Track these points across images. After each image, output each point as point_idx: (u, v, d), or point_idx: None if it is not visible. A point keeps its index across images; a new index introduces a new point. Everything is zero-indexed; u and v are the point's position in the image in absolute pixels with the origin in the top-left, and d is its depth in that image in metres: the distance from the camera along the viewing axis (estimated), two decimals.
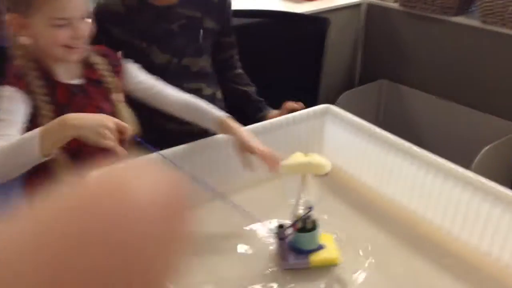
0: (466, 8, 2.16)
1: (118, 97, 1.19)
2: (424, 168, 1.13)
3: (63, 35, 1.06)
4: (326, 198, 1.26)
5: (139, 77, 1.25)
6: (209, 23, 1.42)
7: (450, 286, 0.98)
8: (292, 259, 1.00)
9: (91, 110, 1.13)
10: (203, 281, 0.98)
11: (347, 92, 2.47)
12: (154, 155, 1.09)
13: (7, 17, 1.07)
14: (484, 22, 2.01)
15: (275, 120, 1.30)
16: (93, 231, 0.21)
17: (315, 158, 1.02)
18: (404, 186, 1.18)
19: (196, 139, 1.21)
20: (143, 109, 1.26)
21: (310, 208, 1.01)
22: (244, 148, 1.13)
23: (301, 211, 1.01)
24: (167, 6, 1.36)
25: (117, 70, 1.22)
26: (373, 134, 1.24)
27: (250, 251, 1.07)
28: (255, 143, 1.14)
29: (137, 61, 1.35)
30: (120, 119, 1.12)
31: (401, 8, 2.34)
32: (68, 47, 1.08)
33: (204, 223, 1.15)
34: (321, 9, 2.37)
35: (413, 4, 2.27)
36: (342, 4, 2.49)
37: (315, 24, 1.88)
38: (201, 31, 1.40)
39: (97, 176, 0.23)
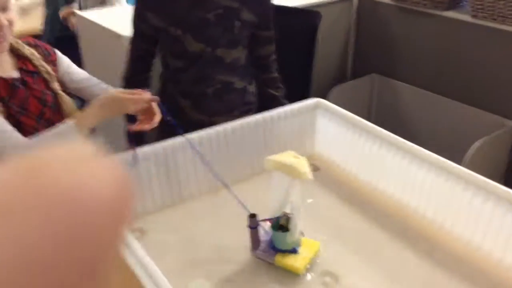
0: (457, 2, 2.16)
1: (57, 86, 1.22)
2: (416, 163, 1.13)
3: None
4: (317, 191, 1.26)
5: (71, 68, 1.28)
6: (246, 15, 1.40)
7: (442, 279, 0.98)
8: (260, 250, 1.01)
9: (34, 101, 1.17)
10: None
11: (339, 86, 2.47)
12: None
13: None
14: (474, 16, 2.02)
15: (267, 115, 1.29)
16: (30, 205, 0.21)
17: (299, 163, 0.99)
18: (396, 180, 1.18)
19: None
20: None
21: (287, 214, 1.00)
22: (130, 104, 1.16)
23: (287, 209, 1.01)
24: None
25: (51, 60, 1.24)
26: (364, 128, 1.24)
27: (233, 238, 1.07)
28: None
29: (172, 48, 1.39)
30: (62, 108, 1.21)
31: (393, 2, 2.34)
32: None
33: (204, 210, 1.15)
34: (313, 3, 2.37)
35: None
36: None
37: (307, 17, 1.87)
38: (237, 22, 1.39)
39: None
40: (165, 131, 1.46)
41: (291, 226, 0.99)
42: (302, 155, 1.36)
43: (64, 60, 1.28)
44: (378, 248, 1.06)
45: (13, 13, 1.11)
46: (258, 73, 1.57)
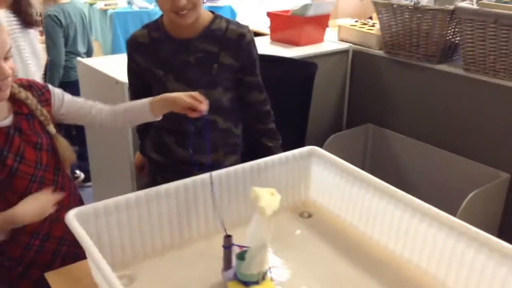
0: (449, 56, 2.22)
1: (52, 128, 1.22)
2: (409, 212, 1.13)
3: None
4: (310, 238, 1.25)
5: (66, 99, 1.29)
6: (225, 59, 1.47)
7: None
8: (226, 273, 1.04)
9: (29, 149, 1.18)
10: None
11: (334, 135, 2.49)
12: None
13: None
14: (466, 70, 2.07)
15: (262, 161, 1.30)
16: None
17: (264, 198, 1.00)
18: (389, 229, 1.18)
19: (207, 171, 1.22)
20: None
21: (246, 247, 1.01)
22: (185, 100, 1.23)
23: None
24: (186, 39, 1.45)
25: (45, 99, 1.24)
26: (357, 176, 1.25)
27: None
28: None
29: (156, 88, 1.49)
30: (58, 150, 1.23)
31: (386, 55, 2.40)
32: None
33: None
34: (309, 54, 2.43)
35: (397, 52, 2.34)
36: (330, 50, 2.55)
37: (304, 68, 1.92)
38: (216, 65, 1.46)
39: None
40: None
41: (246, 257, 0.99)
42: (296, 201, 1.38)
43: (57, 93, 1.28)
44: None
45: (11, 62, 1.13)
46: (252, 123, 1.61)
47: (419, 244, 1.11)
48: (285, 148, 1.38)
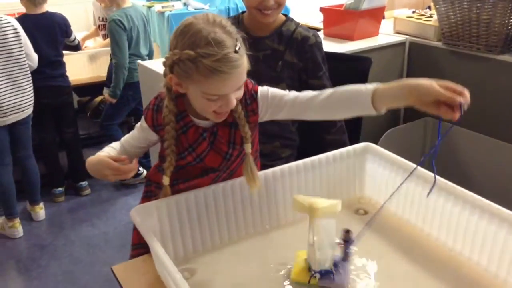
0: (511, 46, 2.13)
1: (248, 148, 1.18)
2: (468, 209, 1.11)
3: (214, 106, 1.09)
4: (366, 234, 1.24)
5: (272, 96, 1.21)
6: (289, 57, 1.60)
7: None
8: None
9: (213, 155, 1.19)
10: None
11: (391, 129, 2.45)
12: None
13: (169, 75, 1.10)
14: None
15: (317, 158, 1.31)
16: None
17: (317, 202, 1.02)
18: (448, 227, 1.16)
19: (265, 159, 1.29)
20: None
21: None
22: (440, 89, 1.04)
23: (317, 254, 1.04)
24: (259, 37, 1.59)
25: (251, 109, 1.20)
26: (413, 173, 1.23)
27: None
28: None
29: None
30: (244, 171, 1.18)
31: (445, 47, 2.34)
32: (217, 113, 1.11)
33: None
34: (364, 48, 2.40)
35: (456, 43, 2.26)
36: (386, 43, 2.51)
37: (358, 63, 1.90)
38: (280, 62, 1.58)
39: None
40: None
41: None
42: (351, 198, 1.38)
43: (263, 95, 1.21)
44: None
45: (242, 90, 1.13)
46: (320, 133, 1.65)
47: (479, 241, 1.09)
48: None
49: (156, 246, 0.97)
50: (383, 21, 2.69)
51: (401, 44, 2.54)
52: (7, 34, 2.56)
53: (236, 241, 1.22)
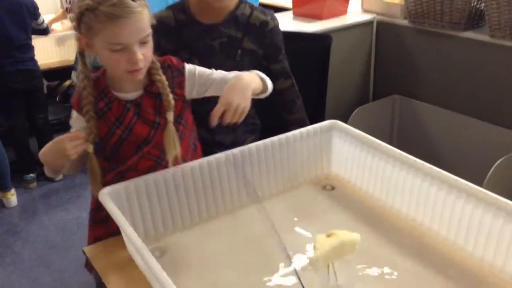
0: (474, 23, 2.18)
1: (169, 116, 1.22)
2: (428, 181, 1.15)
3: (122, 59, 1.12)
4: (334, 210, 1.29)
5: (199, 75, 1.29)
6: (249, 44, 1.50)
7: None
8: None
9: (141, 125, 1.23)
10: None
11: (360, 107, 2.50)
12: None
13: (78, 35, 1.15)
14: (492, 36, 2.04)
15: (284, 136, 1.34)
16: None
17: (343, 234, 1.01)
18: (410, 199, 1.21)
19: (229, 149, 1.27)
20: None
21: None
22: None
23: None
24: (212, 24, 1.47)
25: (178, 82, 1.26)
26: (377, 148, 1.27)
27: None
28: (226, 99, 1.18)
29: None
30: (165, 139, 1.22)
31: (411, 25, 2.38)
32: (129, 71, 1.14)
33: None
34: (332, 27, 2.43)
35: (422, 21, 2.31)
36: (354, 22, 2.54)
37: (319, 41, 1.92)
38: (239, 50, 1.48)
39: None
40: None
41: None
42: (318, 174, 1.42)
43: (191, 76, 1.28)
44: (391, 264, 1.08)
45: (150, 46, 1.17)
46: (281, 113, 1.63)
47: (439, 212, 1.14)
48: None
49: (124, 225, 0.98)
50: (352, 0, 2.71)
51: (369, 23, 2.57)
52: None
53: (206, 220, 1.25)
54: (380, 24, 2.56)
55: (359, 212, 1.27)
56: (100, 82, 1.22)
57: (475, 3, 2.11)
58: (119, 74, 1.17)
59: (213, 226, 1.23)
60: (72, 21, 1.12)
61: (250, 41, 1.49)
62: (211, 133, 1.54)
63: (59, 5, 4.06)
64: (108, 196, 1.08)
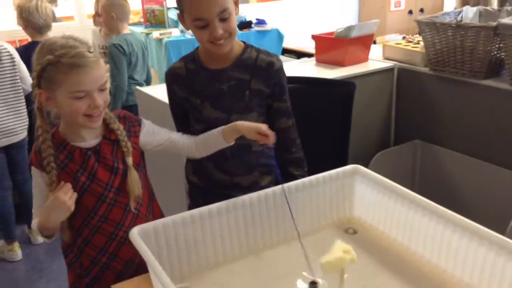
0: (495, 71, 2.22)
1: (129, 160, 1.36)
2: (450, 228, 1.17)
3: (83, 106, 1.25)
4: (357, 254, 1.29)
5: (155, 131, 1.46)
6: (256, 85, 1.56)
7: None
8: None
9: (103, 171, 1.34)
10: None
11: (381, 152, 2.52)
12: None
13: (38, 91, 1.26)
14: None
15: (306, 180, 1.38)
16: None
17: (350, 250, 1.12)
18: (432, 245, 1.22)
19: (246, 192, 1.32)
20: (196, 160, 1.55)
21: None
22: (253, 130, 1.35)
23: None
24: (220, 69, 1.55)
25: (134, 131, 1.41)
26: (400, 194, 1.30)
27: None
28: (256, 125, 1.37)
29: (193, 114, 1.60)
30: (128, 181, 1.35)
31: (431, 72, 2.43)
32: (88, 116, 1.27)
33: None
34: (354, 73, 2.49)
35: (442, 68, 2.36)
36: (375, 69, 2.60)
37: (343, 88, 1.98)
38: (247, 91, 1.55)
39: None
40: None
41: None
42: (341, 218, 1.44)
43: (147, 129, 1.44)
44: None
45: (107, 93, 1.31)
46: (280, 152, 1.63)
47: (461, 258, 1.14)
48: (329, 167, 1.44)
49: (154, 264, 1.02)
50: (373, 46, 2.79)
51: (390, 69, 2.63)
52: (2, 59, 2.66)
53: (231, 260, 1.27)
54: (401, 71, 2.62)
55: (381, 257, 1.28)
56: (56, 137, 1.32)
57: (495, 52, 2.16)
58: (79, 121, 1.28)
59: (237, 267, 1.26)
60: (32, 86, 1.24)
61: (257, 82, 1.55)
62: (229, 175, 1.59)
63: None
64: (138, 236, 1.13)
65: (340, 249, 1.12)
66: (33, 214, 1.35)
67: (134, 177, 1.36)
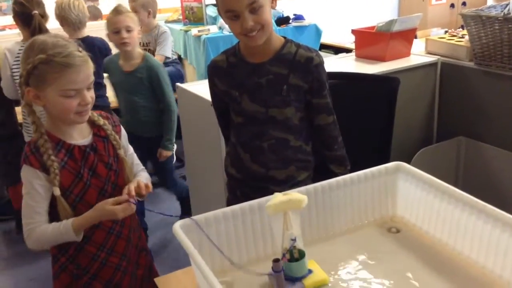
0: None
1: (121, 152, 1.45)
2: (499, 227, 1.13)
3: (74, 103, 1.31)
4: (399, 253, 1.28)
5: (128, 145, 1.56)
6: (294, 80, 1.56)
7: None
8: None
9: (101, 167, 1.41)
10: None
11: (424, 149, 2.47)
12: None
13: (26, 89, 1.30)
14: None
15: (348, 177, 1.36)
16: None
17: (294, 195, 1.13)
18: (480, 245, 1.18)
19: (281, 185, 1.35)
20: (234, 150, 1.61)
21: (293, 240, 1.11)
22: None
23: (286, 244, 1.12)
24: (259, 63, 1.56)
25: (117, 130, 1.49)
26: (445, 191, 1.26)
27: None
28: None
29: (233, 108, 1.63)
30: (125, 172, 1.45)
31: (476, 67, 2.35)
32: (78, 113, 1.33)
33: None
34: (395, 69, 2.44)
35: (488, 63, 2.28)
36: (417, 64, 2.54)
37: (386, 83, 1.94)
38: (285, 86, 1.55)
39: None
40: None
41: (302, 252, 1.13)
42: (383, 216, 1.42)
43: (123, 133, 1.54)
44: None
45: (93, 92, 1.37)
46: (321, 149, 1.66)
47: (510, 259, 1.10)
48: (371, 164, 1.42)
49: (198, 258, 1.03)
50: (415, 41, 2.72)
51: (433, 64, 2.56)
52: None
53: (272, 256, 1.26)
54: (444, 65, 2.55)
55: (426, 257, 1.25)
56: (51, 137, 1.35)
57: None
58: (70, 118, 1.33)
59: None
60: (20, 84, 1.28)
61: (295, 77, 1.55)
62: (264, 168, 1.60)
63: None
64: (180, 229, 1.14)
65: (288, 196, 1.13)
66: (34, 223, 1.33)
67: (128, 165, 1.46)
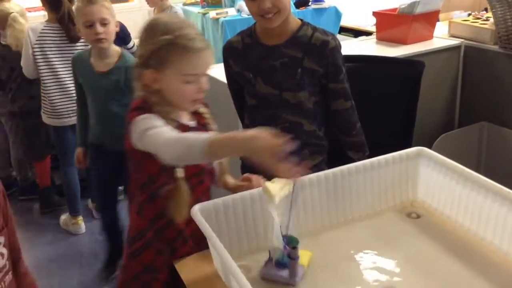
0: None
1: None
2: None
3: (191, 90, 1.23)
4: (419, 238, 1.26)
5: None
6: (309, 63, 1.54)
7: None
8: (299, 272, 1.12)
9: None
10: None
11: (445, 134, 2.43)
12: None
13: (143, 72, 1.22)
14: None
15: (368, 162, 1.34)
16: None
17: (272, 186, 1.11)
18: (503, 231, 1.16)
19: None
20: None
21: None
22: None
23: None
24: (274, 45, 1.56)
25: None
26: (468, 177, 1.23)
27: None
28: None
29: (247, 90, 1.62)
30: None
31: (501, 50, 2.29)
32: (194, 100, 1.26)
33: None
34: (417, 52, 2.39)
35: None
36: (440, 47, 2.49)
37: (410, 67, 1.91)
38: (299, 69, 1.53)
39: None
40: None
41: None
42: (404, 201, 1.40)
43: None
44: None
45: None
46: (339, 135, 1.63)
47: None
48: (392, 149, 1.40)
49: (216, 242, 1.03)
50: (438, 24, 2.66)
51: (456, 47, 2.50)
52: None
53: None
54: (468, 48, 2.49)
55: (447, 243, 1.23)
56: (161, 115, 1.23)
57: None
58: (185, 104, 1.26)
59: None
60: (137, 65, 1.18)
61: (310, 61, 1.54)
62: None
63: None
64: (199, 213, 1.14)
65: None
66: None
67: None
